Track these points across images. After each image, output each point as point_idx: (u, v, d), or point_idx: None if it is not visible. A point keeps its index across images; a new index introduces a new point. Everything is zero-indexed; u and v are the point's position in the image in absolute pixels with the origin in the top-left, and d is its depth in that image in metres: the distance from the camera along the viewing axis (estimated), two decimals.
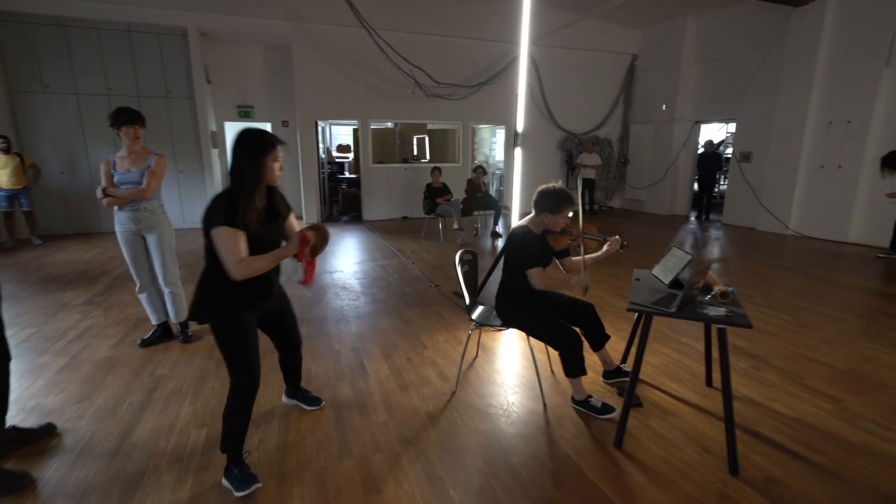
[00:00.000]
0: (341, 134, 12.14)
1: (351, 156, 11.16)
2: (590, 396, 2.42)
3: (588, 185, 9.85)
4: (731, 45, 8.45)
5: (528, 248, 2.38)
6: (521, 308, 2.46)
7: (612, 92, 10.45)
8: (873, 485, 1.90)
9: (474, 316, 2.70)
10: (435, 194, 7.13)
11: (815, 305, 4.13)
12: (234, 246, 1.65)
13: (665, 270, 2.45)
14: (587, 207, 10.05)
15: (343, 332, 3.51)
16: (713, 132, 10.58)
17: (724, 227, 8.55)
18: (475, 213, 7.43)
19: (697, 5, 8.59)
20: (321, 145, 9.22)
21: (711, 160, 9.15)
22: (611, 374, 2.74)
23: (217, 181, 8.36)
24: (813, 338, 3.40)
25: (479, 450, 2.12)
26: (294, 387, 2.45)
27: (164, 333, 3.36)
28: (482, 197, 7.45)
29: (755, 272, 5.30)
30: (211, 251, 1.73)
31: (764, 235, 7.64)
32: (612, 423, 2.31)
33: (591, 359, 2.92)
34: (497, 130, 12.27)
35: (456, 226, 6.93)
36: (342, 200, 9.76)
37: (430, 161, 9.79)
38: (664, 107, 9.70)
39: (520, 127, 3.48)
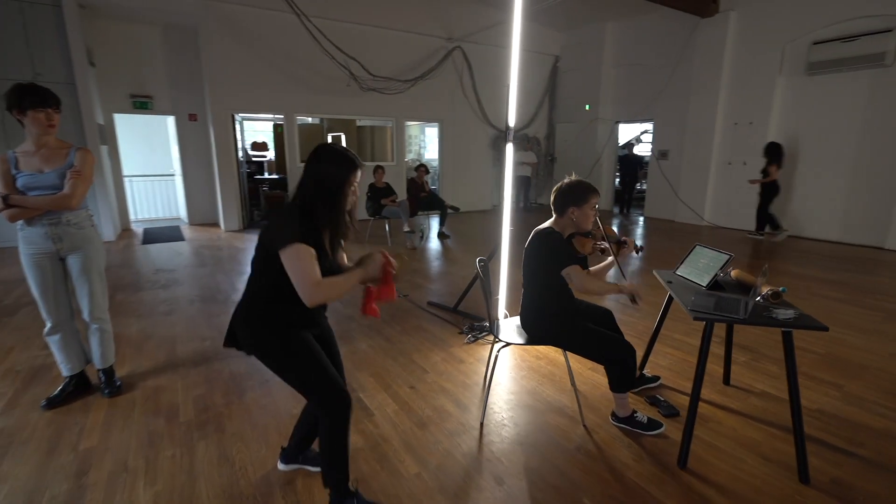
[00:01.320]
0: (256, 130, 10.99)
1: (269, 154, 10.13)
2: (635, 412, 2.24)
3: (524, 182, 9.99)
4: (647, 51, 9.05)
5: (560, 246, 2.13)
6: (558, 323, 2.19)
7: (539, 91, 10.71)
8: None
9: (502, 335, 2.38)
10: (379, 195, 6.64)
11: None
12: (311, 266, 1.43)
13: (696, 271, 2.35)
14: (522, 204, 10.20)
15: None
16: (631, 132, 11.35)
17: (647, 219, 9.17)
18: (419, 213, 7.09)
19: (616, 12, 9.08)
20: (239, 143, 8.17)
21: (633, 161, 9.81)
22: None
23: (109, 184, 6.99)
24: None
25: (541, 493, 1.82)
26: (299, 447, 1.93)
27: (78, 387, 2.56)
28: (426, 197, 7.13)
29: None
30: (269, 269, 1.48)
31: (683, 226, 8.32)
32: (662, 440, 2.15)
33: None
34: (427, 128, 12.01)
35: (406, 228, 6.51)
36: (264, 204, 8.78)
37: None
38: (587, 107, 10.16)
39: (511, 121, 3.23)
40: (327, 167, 1.50)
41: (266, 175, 9.43)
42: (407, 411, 2.42)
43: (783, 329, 1.86)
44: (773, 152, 6.72)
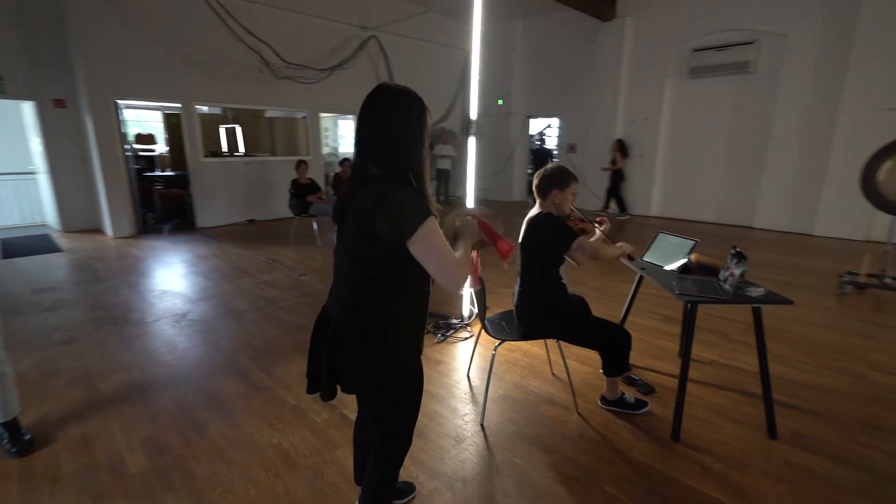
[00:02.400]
0: (139, 121, 9.57)
1: (159, 148, 8.90)
2: (623, 394, 2.35)
3: (444, 175, 10.03)
4: (554, 49, 9.59)
5: (562, 224, 2.15)
6: (555, 315, 2.22)
7: (453, 84, 10.80)
8: (854, 418, 2.32)
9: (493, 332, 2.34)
10: (304, 191, 6.18)
11: None
12: (447, 244, 1.18)
13: (664, 257, 2.53)
14: (442, 197, 10.26)
15: (284, 378, 2.67)
16: (540, 126, 11.97)
17: None
18: None
19: (525, 11, 9.46)
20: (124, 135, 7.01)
21: (544, 154, 10.40)
22: None
23: None
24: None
25: (563, 486, 1.83)
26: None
27: None
28: None
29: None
30: (391, 269, 1.21)
31: (591, 215, 9.02)
32: (649, 417, 2.29)
33: (584, 354, 2.89)
34: (340, 121, 11.47)
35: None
36: (159, 205, 7.68)
37: (244, 153, 8.40)
38: (500, 101, 10.50)
39: (473, 115, 3.19)
40: (415, 130, 1.22)
41: (159, 172, 8.25)
42: None
43: (754, 305, 2.08)
44: (621, 146, 8.36)
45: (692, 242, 2.44)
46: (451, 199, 10.44)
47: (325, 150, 9.65)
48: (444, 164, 9.87)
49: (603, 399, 2.38)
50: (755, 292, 2.05)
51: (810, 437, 2.15)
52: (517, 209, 9.90)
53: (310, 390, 1.36)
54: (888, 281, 4.11)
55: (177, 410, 2.36)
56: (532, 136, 11.59)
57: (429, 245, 1.15)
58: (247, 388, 2.57)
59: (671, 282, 2.23)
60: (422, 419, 2.27)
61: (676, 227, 7.58)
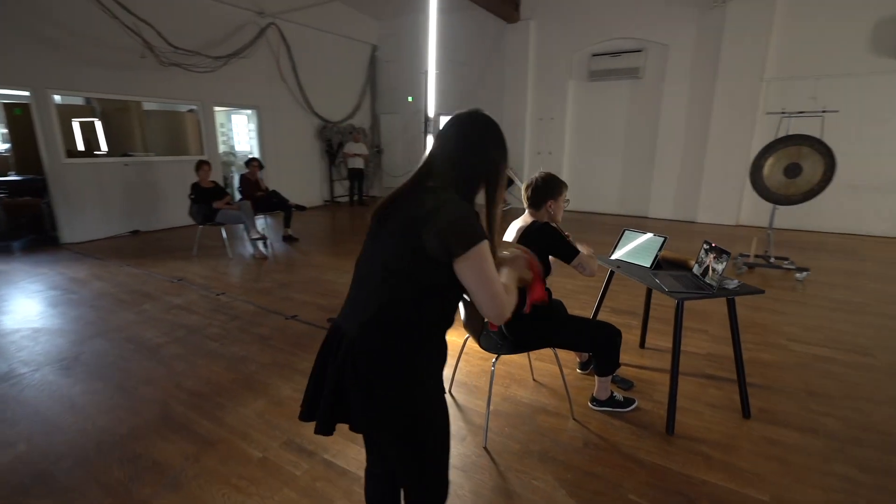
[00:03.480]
0: None
1: None
2: (613, 393, 2.37)
3: (357, 175, 9.58)
4: (463, 48, 9.65)
5: (562, 238, 2.13)
6: (550, 323, 2.15)
7: (360, 80, 10.35)
8: (796, 387, 2.61)
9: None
10: (208, 197, 5.39)
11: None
12: (496, 272, 1.09)
13: (634, 254, 2.60)
14: (356, 198, 9.80)
15: (238, 425, 2.23)
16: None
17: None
18: (257, 216, 6.08)
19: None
20: None
21: None
22: (587, 363, 2.76)
23: None
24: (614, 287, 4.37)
25: (591, 502, 1.76)
26: None
27: None
28: (264, 196, 6.15)
29: None
30: (429, 289, 1.09)
31: (507, 211, 9.33)
32: (639, 413, 2.34)
33: (551, 355, 2.88)
34: (233, 116, 10.33)
35: (255, 235, 5.46)
36: (4, 218, 6.15)
37: (109, 153, 7.06)
38: (410, 99, 10.32)
39: (431, 111, 2.97)
40: (494, 143, 1.16)
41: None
42: None
43: (729, 297, 2.21)
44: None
45: (661, 239, 2.54)
46: (365, 200, 10.03)
47: (222, 149, 8.59)
48: (357, 164, 9.44)
49: (594, 400, 2.38)
50: (731, 285, 2.18)
51: (773, 411, 2.37)
52: None
53: (303, 416, 1.19)
54: (773, 260, 4.81)
55: (101, 492, 1.82)
56: None
57: (480, 269, 1.05)
58: (194, 446, 2.09)
59: (654, 280, 2.28)
60: None
61: (584, 219, 8.14)
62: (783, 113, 4.90)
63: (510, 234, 2.25)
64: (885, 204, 6.54)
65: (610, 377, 2.32)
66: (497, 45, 9.17)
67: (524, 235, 2.12)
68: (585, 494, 1.81)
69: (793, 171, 4.56)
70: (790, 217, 6.77)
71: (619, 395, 2.39)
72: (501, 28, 8.93)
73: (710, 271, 2.18)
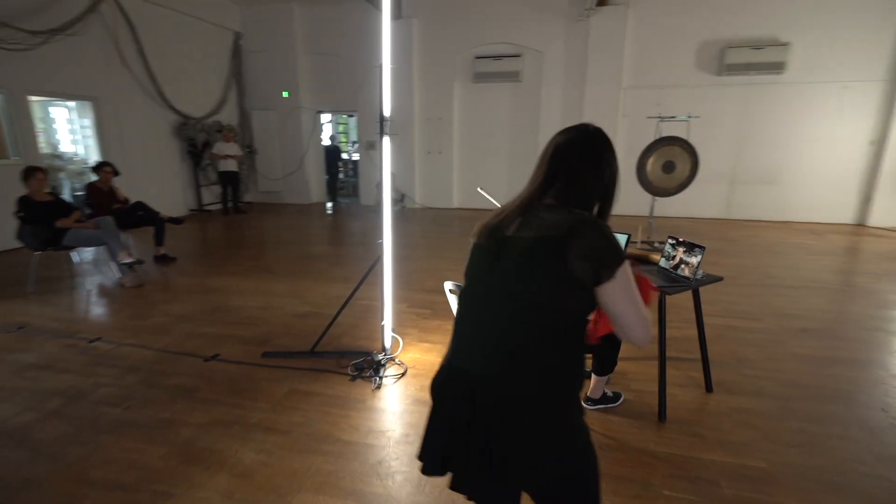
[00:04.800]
0: None
1: None
2: (605, 391, 2.42)
3: (230, 178, 8.42)
4: (341, 41, 9.12)
5: None
6: None
7: (223, 71, 9.09)
8: (730, 357, 3.00)
9: None
10: (45, 213, 4.13)
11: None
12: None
13: None
14: (231, 204, 8.62)
15: None
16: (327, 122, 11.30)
17: (366, 207, 9.57)
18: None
19: None
20: None
21: (334, 152, 9.91)
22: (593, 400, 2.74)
23: None
24: None
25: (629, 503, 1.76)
26: None
27: None
28: (126, 208, 4.99)
29: (411, 237, 6.42)
30: (572, 319, 0.99)
31: (404, 211, 9.18)
32: (628, 406, 2.43)
33: None
34: (51, 108, 8.19)
35: (126, 259, 4.32)
36: None
37: None
38: (285, 94, 9.42)
39: (386, 110, 2.62)
40: (613, 160, 1.10)
41: None
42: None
43: (695, 287, 2.42)
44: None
45: (626, 236, 2.67)
46: (241, 207, 8.89)
47: (44, 150, 6.66)
48: (230, 166, 8.32)
49: (588, 400, 2.40)
50: (699, 275, 2.38)
51: (722, 381, 2.67)
52: (317, 212, 9.21)
53: (433, 471, 1.09)
54: (657, 245, 5.54)
55: None
56: (332, 135, 10.91)
57: (628, 290, 0.98)
58: None
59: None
60: (438, 498, 1.81)
61: (476, 217, 8.39)
62: (660, 117, 5.66)
63: None
64: (714, 192, 8.06)
65: (608, 377, 2.36)
66: (377, 41, 8.86)
67: None
68: (619, 498, 1.80)
69: (669, 167, 5.31)
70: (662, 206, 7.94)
71: (608, 391, 2.45)
72: (380, 23, 8.66)
73: (684, 264, 2.36)
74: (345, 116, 11.93)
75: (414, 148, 9.20)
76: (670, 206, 7.99)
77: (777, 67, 7.31)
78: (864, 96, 7.27)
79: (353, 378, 2.69)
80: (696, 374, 2.68)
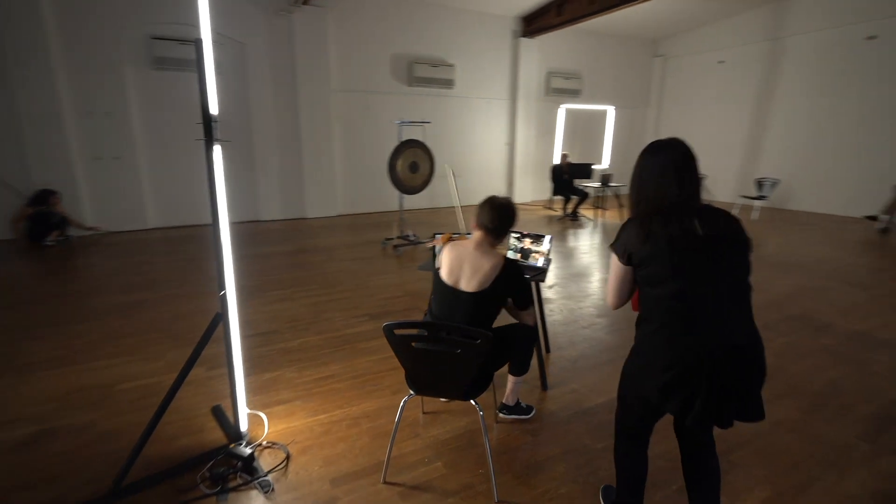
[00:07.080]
0: None
1: None
2: (519, 400, 2.39)
3: None
4: None
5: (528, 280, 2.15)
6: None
7: None
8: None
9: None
10: None
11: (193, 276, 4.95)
12: None
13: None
14: None
15: None
16: None
17: None
18: None
19: None
20: None
21: None
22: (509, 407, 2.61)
23: None
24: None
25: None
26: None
27: None
28: None
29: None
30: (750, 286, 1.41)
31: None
32: (528, 398, 2.69)
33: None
34: None
35: None
36: None
37: None
38: None
39: (214, 109, 1.68)
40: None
41: None
42: None
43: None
44: None
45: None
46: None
47: None
48: None
49: (504, 407, 2.36)
50: (543, 263, 2.83)
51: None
52: None
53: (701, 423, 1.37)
54: (412, 238, 6.07)
55: None
56: None
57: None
58: None
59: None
60: None
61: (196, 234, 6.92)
62: (401, 122, 6.06)
63: (472, 261, 1.93)
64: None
65: (522, 378, 2.32)
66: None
67: (506, 271, 1.93)
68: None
69: (415, 167, 5.86)
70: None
71: (522, 402, 2.41)
72: None
73: (533, 253, 2.73)
74: None
75: (70, 154, 6.58)
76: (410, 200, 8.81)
77: (448, 84, 9.06)
78: (499, 109, 10.01)
79: (221, 496, 1.86)
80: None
